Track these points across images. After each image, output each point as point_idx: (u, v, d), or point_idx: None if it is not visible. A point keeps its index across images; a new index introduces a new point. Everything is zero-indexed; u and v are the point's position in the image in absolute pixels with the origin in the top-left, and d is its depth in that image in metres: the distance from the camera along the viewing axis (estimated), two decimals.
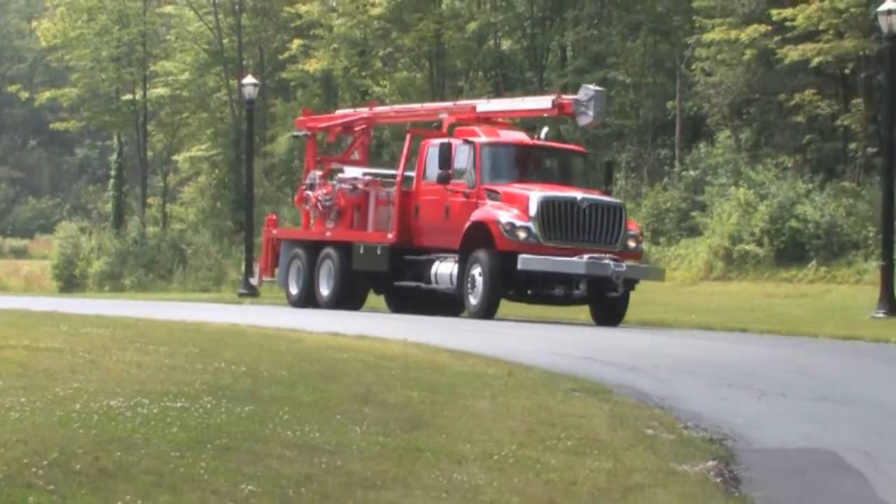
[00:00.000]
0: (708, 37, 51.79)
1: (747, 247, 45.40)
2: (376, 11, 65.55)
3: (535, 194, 30.01)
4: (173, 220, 79.57)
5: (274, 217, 41.55)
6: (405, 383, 16.00)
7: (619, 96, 59.70)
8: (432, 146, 32.49)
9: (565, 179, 32.65)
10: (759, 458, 12.45)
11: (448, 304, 32.29)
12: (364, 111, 38.87)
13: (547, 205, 29.85)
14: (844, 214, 44.17)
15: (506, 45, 67.01)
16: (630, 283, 30.13)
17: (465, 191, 31.10)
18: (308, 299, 35.59)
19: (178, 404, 12.42)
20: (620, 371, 19.30)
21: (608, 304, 30.42)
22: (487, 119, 34.14)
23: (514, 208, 30.01)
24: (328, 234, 35.84)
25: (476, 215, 30.47)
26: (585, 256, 29.22)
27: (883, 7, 33.78)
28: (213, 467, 9.91)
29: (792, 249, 44.58)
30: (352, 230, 35.43)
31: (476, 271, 30.02)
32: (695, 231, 49.56)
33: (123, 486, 8.99)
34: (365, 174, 36.05)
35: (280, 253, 37.60)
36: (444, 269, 31.43)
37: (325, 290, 35.21)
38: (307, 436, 11.58)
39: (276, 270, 37.91)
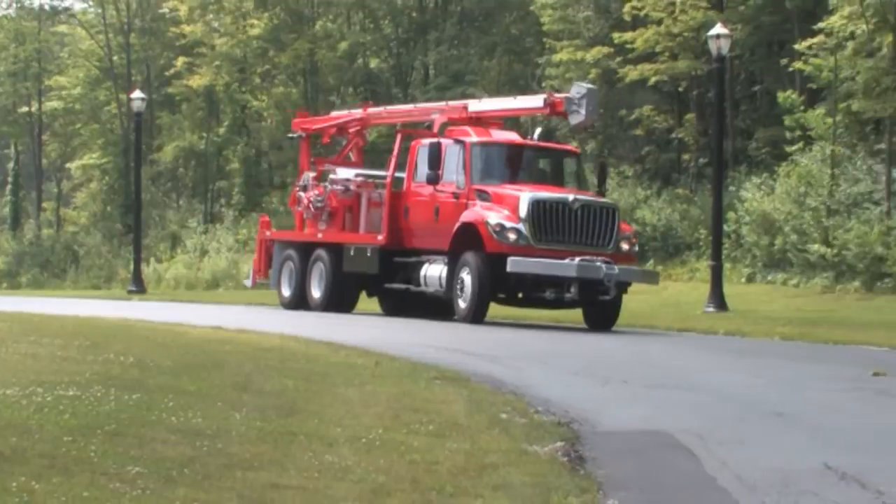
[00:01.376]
0: (557, 57, 52.08)
1: None
2: (255, 32, 65.76)
3: (526, 195, 26.97)
4: (67, 223, 79.15)
5: (268, 218, 38.60)
6: (281, 373, 15.95)
7: None
8: (422, 146, 29.46)
9: (558, 180, 29.70)
10: (603, 440, 12.51)
11: (442, 307, 28.78)
12: (358, 112, 35.66)
13: (538, 206, 26.82)
14: (679, 218, 44.65)
15: (374, 63, 67.04)
16: (623, 286, 27.03)
17: (455, 191, 28.14)
18: (300, 301, 32.55)
19: (71, 393, 12.29)
20: (478, 361, 19.35)
21: (600, 308, 27.36)
22: (480, 119, 30.77)
23: (505, 209, 27.02)
24: (319, 235, 32.74)
25: (465, 216, 27.45)
26: (577, 259, 26.23)
27: (712, 32, 34.58)
28: (102, 451, 9.81)
29: None
30: (343, 232, 32.40)
31: (465, 274, 27.02)
32: None
33: (19, 469, 8.87)
34: (357, 175, 33.05)
35: (273, 254, 34.52)
36: (434, 271, 28.35)
37: (316, 293, 32.15)
38: (190, 421, 11.49)
39: (270, 272, 34.72)
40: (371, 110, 35.23)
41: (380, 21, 65.74)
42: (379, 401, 14.03)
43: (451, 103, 32.72)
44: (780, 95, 41.76)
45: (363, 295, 32.65)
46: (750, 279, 40.59)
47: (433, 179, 28.23)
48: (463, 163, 28.10)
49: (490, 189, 27.54)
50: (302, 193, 33.80)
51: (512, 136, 30.76)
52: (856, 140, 40.31)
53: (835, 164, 39.07)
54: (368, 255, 30.17)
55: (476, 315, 26.86)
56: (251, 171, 69.06)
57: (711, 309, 32.29)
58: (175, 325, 24.14)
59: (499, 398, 15.05)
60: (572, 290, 26.30)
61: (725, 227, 38.19)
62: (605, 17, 52.42)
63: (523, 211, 26.53)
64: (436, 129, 30.64)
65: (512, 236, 26.33)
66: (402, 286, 29.55)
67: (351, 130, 35.13)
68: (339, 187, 32.34)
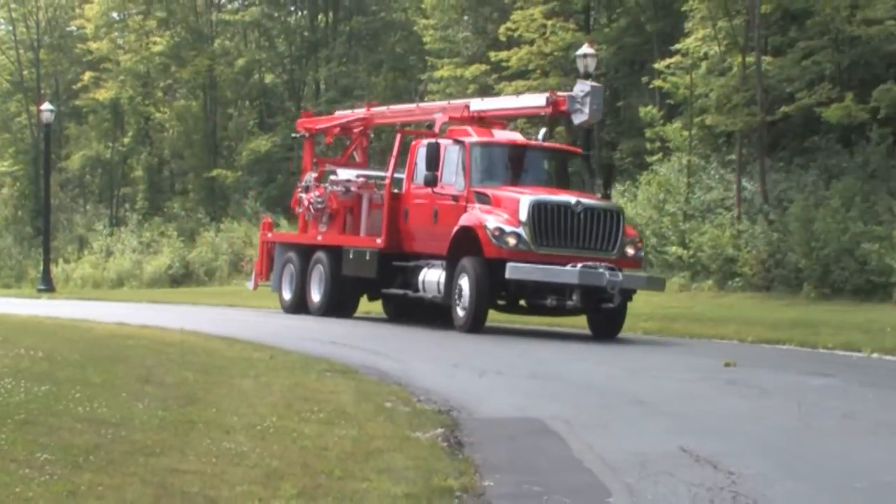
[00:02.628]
0: (438, 74, 52.18)
1: None
2: (157, 48, 65.38)
3: (526, 197, 23.69)
4: None
5: (269, 220, 34.87)
6: (182, 365, 15.87)
7: None
8: (421, 146, 26.10)
9: (562, 182, 26.21)
10: (479, 426, 12.56)
11: (446, 312, 25.08)
12: (361, 112, 31.94)
13: (539, 209, 23.50)
14: None
15: (269, 78, 66.74)
16: (627, 294, 23.92)
17: (454, 193, 24.84)
18: (301, 305, 29.28)
19: None
20: (366, 354, 19.36)
21: (604, 315, 24.20)
22: (482, 119, 27.37)
23: (504, 213, 23.76)
24: (319, 237, 29.38)
25: (464, 220, 24.21)
26: (579, 265, 23.04)
27: (580, 52, 34.96)
28: (12, 439, 9.71)
29: None
30: (343, 234, 28.99)
31: (463, 280, 23.76)
32: None
33: None
34: (358, 176, 29.48)
35: (274, 257, 31.17)
36: (432, 276, 25.09)
37: (316, 297, 28.86)
38: (96, 411, 11.41)
39: (271, 274, 31.23)
40: (374, 110, 31.85)
41: (274, 39, 65.48)
42: (273, 391, 14.00)
43: (453, 102, 29.47)
44: (642, 110, 42.20)
45: (367, 298, 29.63)
46: None
47: (431, 181, 25.17)
48: (462, 164, 24.99)
49: (489, 191, 24.43)
50: (303, 195, 30.68)
51: (513, 137, 27.42)
52: (709, 151, 40.80)
53: (690, 174, 39.55)
54: (367, 258, 27.10)
55: (475, 324, 23.70)
56: (154, 178, 68.69)
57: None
58: (82, 322, 23.93)
59: (384, 388, 15.07)
60: (574, 297, 23.23)
61: None
62: (482, 38, 52.52)
63: (523, 214, 23.46)
64: (437, 129, 27.50)
65: (511, 241, 23.33)
66: (401, 291, 26.56)
67: (354, 130, 32.05)
68: (339, 188, 29.21)
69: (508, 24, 48.02)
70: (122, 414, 11.40)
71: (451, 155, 25.20)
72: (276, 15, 65.56)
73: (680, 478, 9.90)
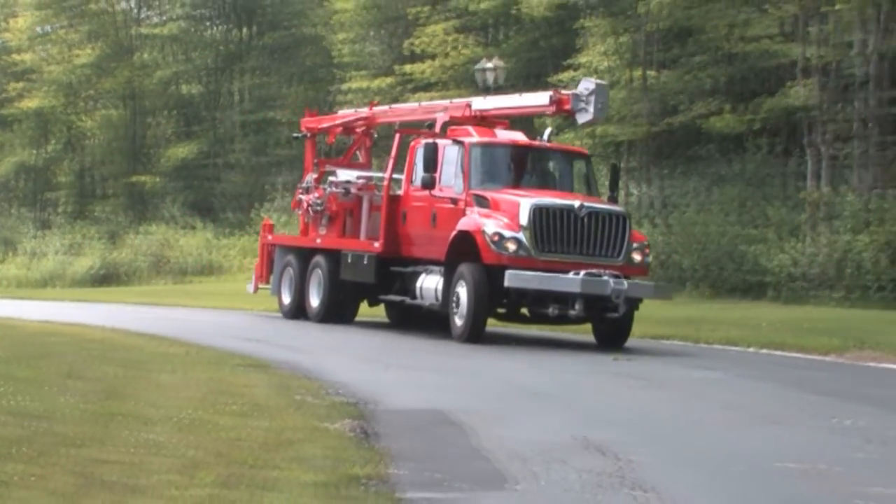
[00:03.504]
0: (347, 85, 52.13)
1: None
2: (81, 61, 64.71)
3: (527, 201, 21.12)
4: None
5: (270, 222, 31.59)
6: (103, 361, 15.75)
7: (276, 132, 59.83)
8: (420, 147, 23.58)
9: (566, 185, 23.43)
10: (388, 417, 12.56)
11: (446, 321, 22.33)
12: (364, 111, 29.01)
13: (540, 213, 20.95)
14: None
15: (188, 89, 66.31)
16: (633, 303, 21.24)
17: (453, 196, 22.26)
18: (300, 310, 26.40)
19: None
20: (280, 350, 19.29)
21: (610, 324, 21.58)
22: (485, 118, 24.68)
23: (504, 217, 21.21)
24: (318, 241, 26.64)
25: (462, 224, 21.61)
26: (582, 272, 20.51)
27: (480, 66, 34.92)
28: None
29: None
30: (342, 237, 26.21)
31: (461, 287, 21.13)
32: None
33: None
34: (359, 177, 26.65)
35: (274, 260, 28.22)
36: (430, 283, 22.38)
37: (314, 301, 25.98)
38: (21, 404, 11.30)
39: (271, 278, 28.24)
40: (377, 109, 28.83)
41: (193, 52, 65.07)
42: (190, 385, 13.93)
43: (455, 101, 26.44)
44: (537, 122, 42.36)
45: (367, 303, 26.28)
46: None
47: (429, 183, 22.52)
48: (461, 165, 22.36)
49: (489, 194, 21.81)
50: (303, 196, 27.81)
51: (516, 137, 24.24)
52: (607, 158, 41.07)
53: None
54: (365, 263, 24.32)
55: (472, 334, 21.00)
56: (79, 183, 68.01)
57: None
58: (7, 320, 23.64)
59: (297, 382, 15.02)
60: (577, 306, 20.63)
61: None
62: (389, 52, 52.54)
63: (524, 218, 20.85)
64: (438, 129, 24.80)
65: (511, 246, 20.74)
66: (398, 298, 23.79)
67: (357, 130, 29.07)
68: (339, 190, 26.43)
69: (415, 39, 48.11)
70: (46, 407, 11.29)
71: (450, 156, 22.73)
72: (195, 30, 65.24)
73: (572, 465, 9.97)
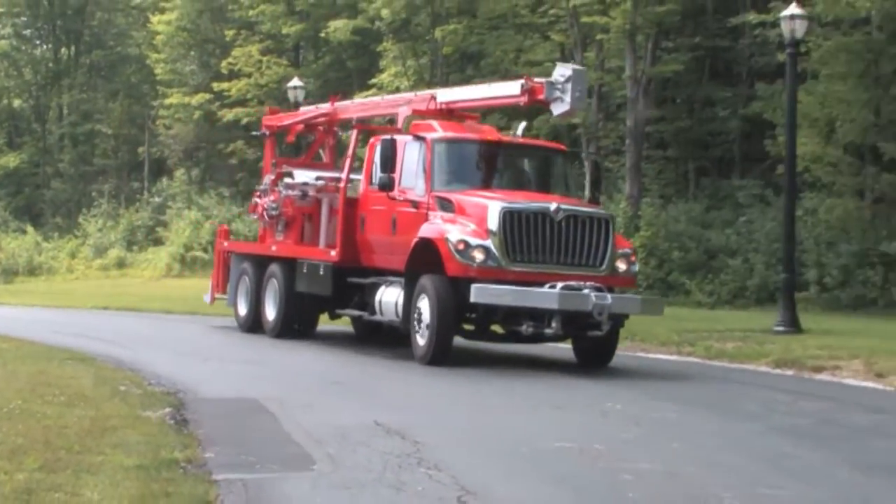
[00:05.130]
0: (167, 101, 51.57)
1: (196, 253, 45.35)
2: None
3: (496, 204, 16.89)
4: None
5: (226, 228, 26.80)
6: None
7: (102, 143, 58.92)
8: (378, 144, 19.01)
9: (542, 185, 19.10)
10: (203, 406, 12.43)
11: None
12: (325, 107, 23.95)
13: (511, 217, 16.75)
14: None
15: (16, 103, 64.61)
16: (618, 319, 17.13)
17: (414, 199, 17.97)
18: (257, 323, 21.87)
19: None
20: (104, 344, 18.95)
21: (593, 342, 17.46)
22: (451, 111, 20.30)
23: (470, 222, 17.00)
24: (274, 248, 22.09)
25: (423, 231, 17.40)
26: (559, 285, 16.36)
27: (290, 84, 34.65)
28: None
29: None
30: (298, 245, 21.69)
31: (423, 302, 17.01)
32: (159, 241, 49.03)
33: None
34: (318, 178, 22.08)
35: (230, 268, 23.78)
36: (390, 296, 18.17)
37: (270, 314, 21.51)
38: None
39: (228, 287, 23.68)
40: (339, 104, 23.66)
41: (22, 69, 63.38)
42: (19, 378, 13.58)
43: (419, 94, 22.28)
44: (343, 134, 42.49)
45: (329, 316, 21.81)
46: None
47: (387, 184, 18.23)
48: (423, 164, 18.18)
49: (454, 196, 17.58)
50: (258, 199, 23.35)
51: (484, 132, 20.04)
52: None
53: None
54: (321, 273, 20.07)
55: (437, 354, 16.81)
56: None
57: None
58: None
59: (119, 374, 14.79)
60: (554, 324, 16.57)
61: None
62: (206, 70, 52.09)
63: (493, 223, 16.71)
64: (400, 125, 20.73)
65: (478, 256, 16.63)
66: (357, 312, 19.62)
67: (319, 128, 24.35)
68: (295, 193, 21.98)
69: (229, 60, 47.88)
70: None
71: (411, 153, 18.46)
72: (23, 48, 63.62)
73: (374, 447, 9.98)
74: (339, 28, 41.32)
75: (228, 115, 47.32)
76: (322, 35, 43.65)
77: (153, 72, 54.60)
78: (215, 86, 48.26)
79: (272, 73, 46.56)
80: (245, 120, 47.27)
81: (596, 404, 13.12)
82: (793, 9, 22.26)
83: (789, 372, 17.25)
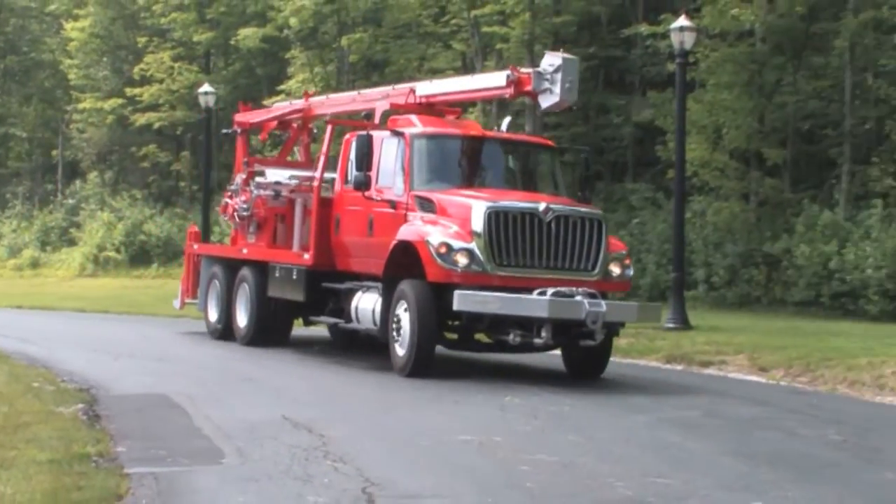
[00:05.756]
0: (81, 106, 50.92)
1: (110, 253, 44.87)
2: None
3: (481, 203, 15.12)
4: None
5: (196, 229, 24.45)
6: None
7: (17, 146, 58.07)
8: (353, 140, 17.13)
9: (529, 183, 17.27)
10: (115, 401, 12.32)
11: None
12: (299, 103, 21.86)
13: (496, 218, 14.97)
14: (177, 231, 44.22)
15: None
16: (613, 328, 15.35)
17: (392, 199, 16.16)
18: (228, 330, 19.97)
19: None
20: (17, 342, 18.72)
21: (584, 352, 15.71)
22: (432, 105, 18.36)
23: (453, 223, 15.22)
24: (245, 251, 20.26)
25: (402, 233, 15.57)
26: (549, 291, 14.62)
27: (201, 90, 34.17)
28: None
29: (141, 255, 44.42)
30: (272, 247, 19.99)
31: (402, 310, 15.25)
32: (73, 242, 48.37)
33: None
34: (291, 177, 20.18)
35: (201, 272, 21.74)
36: (367, 303, 16.35)
37: (241, 321, 19.58)
38: None
39: (198, 292, 21.69)
40: (313, 100, 21.74)
41: None
42: None
43: (398, 87, 19.61)
44: (253, 138, 42.33)
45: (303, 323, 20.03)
46: None
47: (362, 183, 16.37)
48: (402, 161, 16.34)
49: (435, 196, 15.80)
50: (229, 200, 21.50)
51: (467, 126, 18.21)
52: None
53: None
54: (294, 277, 18.31)
55: (417, 366, 14.97)
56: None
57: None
58: None
59: (33, 371, 14.62)
60: (544, 333, 14.78)
61: (212, 238, 38.05)
62: (119, 76, 51.49)
63: (477, 225, 14.97)
64: (377, 120, 18.63)
65: (462, 260, 14.87)
66: (332, 320, 17.73)
67: (293, 125, 22.23)
68: (268, 192, 20.23)
69: (142, 65, 47.45)
70: None
71: (389, 150, 16.65)
72: None
73: (282, 441, 9.96)
74: (248, 36, 41.24)
75: (141, 119, 46.91)
76: (232, 43, 43.45)
77: (67, 77, 53.92)
78: (128, 91, 47.77)
79: (183, 79, 46.17)
80: (157, 124, 46.97)
81: (495, 399, 13.18)
82: (682, 21, 22.50)
83: (679, 367, 17.49)
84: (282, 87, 40.30)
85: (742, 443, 10.80)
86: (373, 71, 39.54)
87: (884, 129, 27.47)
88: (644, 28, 30.93)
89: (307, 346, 18.84)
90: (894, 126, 26.83)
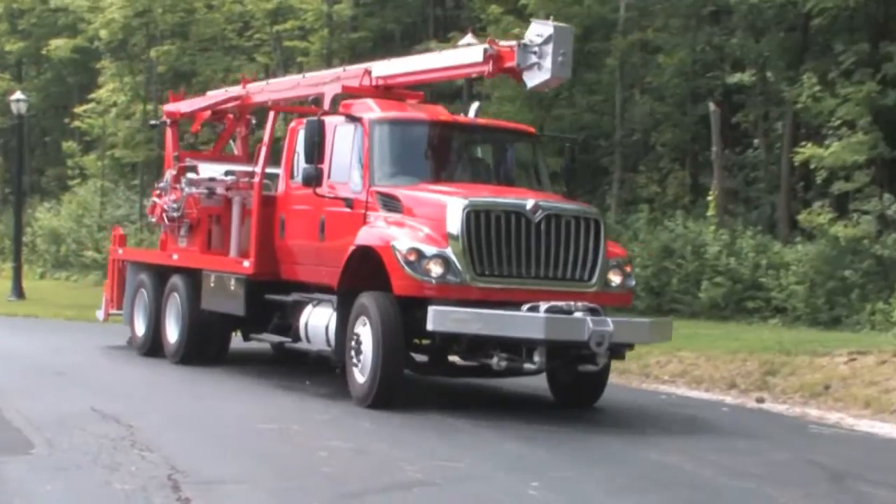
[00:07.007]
0: None
1: None
2: None
3: (457, 201, 11.67)
4: None
5: (121, 233, 19.47)
6: None
7: None
8: (302, 128, 13.59)
9: (508, 177, 13.60)
10: None
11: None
12: (236, 90, 17.94)
13: (477, 218, 11.53)
14: None
15: None
16: (619, 350, 11.80)
17: (348, 196, 12.65)
18: (157, 344, 16.28)
19: None
20: None
21: (577, 376, 12.23)
22: (390, 89, 14.61)
23: (424, 225, 11.76)
24: (175, 256, 16.47)
25: (362, 237, 12.14)
26: (543, 306, 11.18)
27: (13, 97, 32.92)
28: None
29: None
30: (206, 253, 16.16)
31: (362, 328, 11.82)
32: None
33: None
34: (228, 173, 16.19)
35: (126, 280, 17.88)
36: (318, 319, 12.90)
37: (171, 336, 15.94)
38: None
39: (124, 302, 17.84)
40: (251, 86, 17.60)
41: None
42: None
43: (350, 68, 15.79)
44: (64, 144, 42.03)
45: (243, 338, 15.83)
46: (42, 276, 39.73)
47: (312, 178, 12.87)
48: (360, 151, 12.85)
49: (401, 192, 12.29)
50: (157, 199, 17.74)
51: (435, 112, 14.29)
52: (118, 178, 40.50)
53: (104, 194, 39.32)
54: (232, 288, 14.67)
55: (381, 394, 11.61)
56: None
57: (14, 298, 30.79)
58: None
59: None
60: (537, 357, 11.21)
61: (25, 239, 37.03)
62: None
63: (454, 226, 11.51)
64: (327, 105, 14.71)
65: (436, 269, 11.39)
66: (277, 339, 14.13)
67: (230, 115, 18.44)
68: (200, 190, 16.30)
69: None
70: None
71: (344, 139, 13.13)
72: None
73: (91, 431, 9.74)
74: (59, 46, 40.66)
75: None
76: (44, 52, 42.44)
77: None
78: None
79: None
80: None
81: (294, 388, 13.11)
82: (468, 38, 22.66)
83: None
84: (92, 95, 39.51)
85: (523, 426, 10.95)
86: (180, 81, 38.91)
87: (650, 141, 28.32)
88: (434, 44, 31.17)
89: (113, 340, 18.40)
90: (658, 138, 27.69)
